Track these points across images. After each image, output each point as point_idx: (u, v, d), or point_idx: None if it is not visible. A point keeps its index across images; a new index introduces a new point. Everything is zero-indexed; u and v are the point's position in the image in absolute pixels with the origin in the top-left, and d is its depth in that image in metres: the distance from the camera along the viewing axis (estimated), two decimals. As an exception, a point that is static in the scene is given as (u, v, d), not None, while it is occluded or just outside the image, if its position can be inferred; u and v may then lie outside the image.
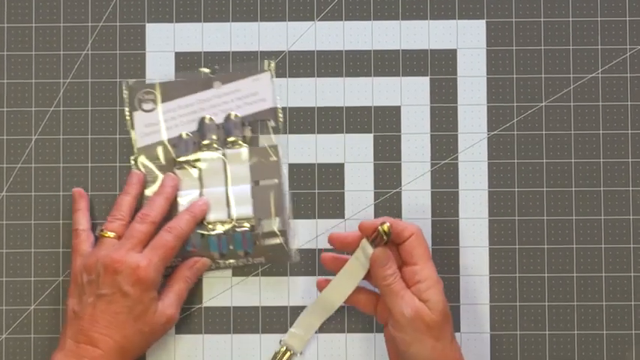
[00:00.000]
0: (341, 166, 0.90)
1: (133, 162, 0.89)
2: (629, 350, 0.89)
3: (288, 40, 0.91)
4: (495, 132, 0.90)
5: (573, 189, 0.90)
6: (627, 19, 0.90)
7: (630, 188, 0.89)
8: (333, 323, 0.89)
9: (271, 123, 0.89)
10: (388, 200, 0.89)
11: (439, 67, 0.90)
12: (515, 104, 0.90)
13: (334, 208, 0.89)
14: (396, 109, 0.90)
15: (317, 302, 0.86)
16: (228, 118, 0.89)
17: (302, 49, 0.90)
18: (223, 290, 0.89)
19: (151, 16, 0.90)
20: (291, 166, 0.90)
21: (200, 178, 0.88)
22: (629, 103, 0.90)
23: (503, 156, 0.90)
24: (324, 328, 0.88)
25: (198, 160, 0.88)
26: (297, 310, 0.88)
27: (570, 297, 0.89)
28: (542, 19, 0.90)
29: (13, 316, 0.89)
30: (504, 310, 0.89)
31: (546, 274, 0.89)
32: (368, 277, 0.83)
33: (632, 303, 0.89)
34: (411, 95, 0.90)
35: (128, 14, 0.90)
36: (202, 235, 0.87)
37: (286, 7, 0.91)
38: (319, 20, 0.91)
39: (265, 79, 0.89)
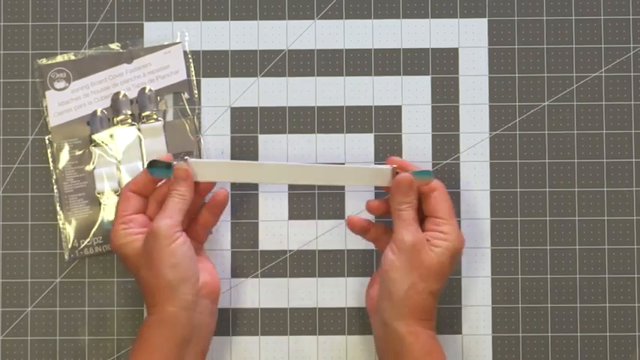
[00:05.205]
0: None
1: (47, 141, 0.89)
2: (633, 352, 0.88)
3: (288, 39, 0.90)
4: (497, 132, 0.89)
5: (576, 189, 0.89)
6: (631, 17, 0.90)
7: (634, 188, 0.89)
8: (333, 325, 0.88)
9: (185, 95, 0.89)
10: (389, 201, 0.89)
11: (440, 66, 0.90)
12: (517, 104, 0.89)
13: (334, 208, 0.89)
14: (397, 109, 0.90)
15: (312, 168, 0.84)
16: (142, 92, 0.89)
17: (302, 47, 0.90)
18: (222, 292, 0.88)
19: (149, 15, 0.90)
20: (291, 167, 0.89)
21: (117, 155, 0.88)
22: (632, 102, 0.89)
23: (505, 156, 0.89)
24: (324, 330, 0.88)
25: (113, 135, 0.88)
26: (297, 312, 0.88)
27: (573, 298, 0.88)
28: (544, 18, 0.90)
29: (10, 317, 0.88)
30: (506, 311, 0.88)
31: (549, 276, 0.88)
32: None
33: (636, 305, 0.88)
34: (412, 94, 0.90)
35: (126, 12, 0.90)
36: None
37: (286, 5, 0.90)
38: (319, 19, 0.90)
39: (177, 52, 0.89)
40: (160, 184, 0.83)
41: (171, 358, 0.80)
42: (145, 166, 0.83)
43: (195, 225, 0.85)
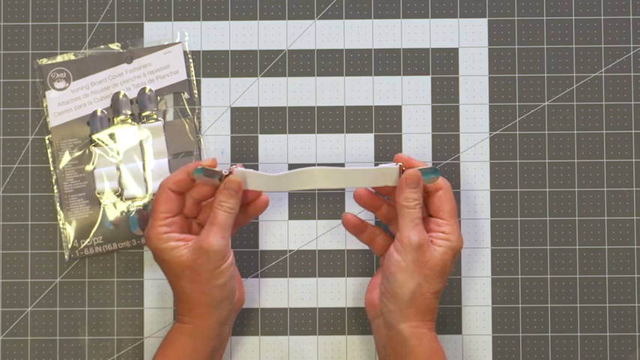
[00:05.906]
0: (341, 166, 0.89)
1: (47, 141, 0.89)
2: (633, 352, 0.88)
3: (288, 39, 0.90)
4: (497, 132, 0.89)
5: (576, 189, 0.89)
6: (630, 17, 0.90)
7: (634, 188, 0.89)
8: (333, 325, 0.88)
9: (185, 95, 0.89)
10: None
11: (440, 66, 0.90)
12: (517, 104, 0.89)
13: (334, 208, 0.89)
14: (397, 109, 0.90)
15: (317, 171, 0.82)
16: (142, 92, 0.89)
17: (302, 47, 0.90)
18: (222, 292, 0.88)
19: (149, 15, 0.90)
20: (291, 167, 0.89)
21: (117, 155, 0.88)
22: (632, 102, 0.89)
23: (506, 156, 0.89)
24: (324, 330, 0.88)
25: (113, 135, 0.88)
26: (297, 312, 0.88)
27: (573, 298, 0.88)
28: (544, 18, 0.90)
29: (10, 317, 0.88)
30: (507, 311, 0.88)
31: (549, 276, 0.88)
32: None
33: (636, 305, 0.88)
34: (412, 95, 0.90)
35: (126, 12, 0.90)
36: (122, 212, 0.88)
37: (286, 5, 0.90)
38: (319, 19, 0.90)
39: (176, 52, 0.89)
40: (198, 181, 0.82)
41: None
42: (194, 172, 0.81)
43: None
